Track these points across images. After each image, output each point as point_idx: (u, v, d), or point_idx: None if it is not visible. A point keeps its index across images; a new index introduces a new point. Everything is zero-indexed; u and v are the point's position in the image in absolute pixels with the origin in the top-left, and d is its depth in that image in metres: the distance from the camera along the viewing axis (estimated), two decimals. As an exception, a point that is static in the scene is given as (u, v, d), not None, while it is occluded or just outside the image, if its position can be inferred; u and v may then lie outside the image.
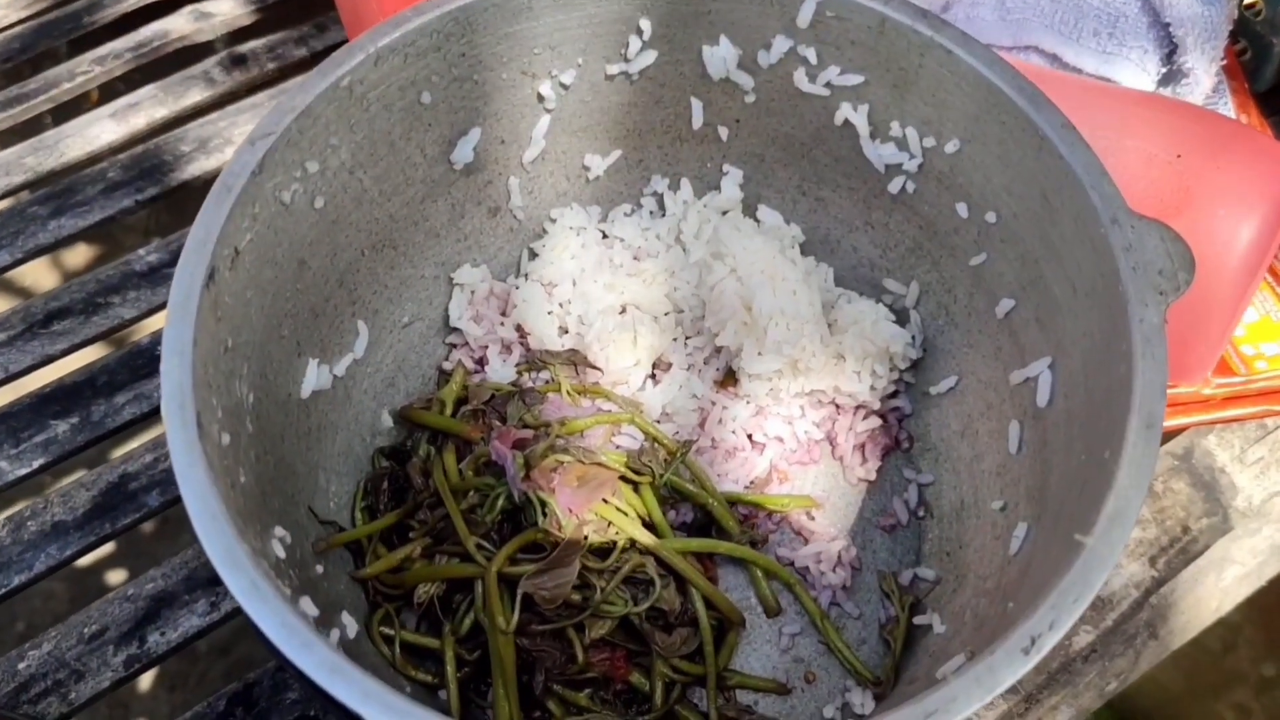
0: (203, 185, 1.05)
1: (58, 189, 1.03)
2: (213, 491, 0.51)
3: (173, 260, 0.97)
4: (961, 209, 0.73)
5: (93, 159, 1.08)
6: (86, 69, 1.15)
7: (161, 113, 1.11)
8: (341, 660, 0.47)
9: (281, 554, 0.59)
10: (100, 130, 1.09)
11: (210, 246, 0.58)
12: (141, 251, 0.97)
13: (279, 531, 0.60)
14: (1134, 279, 0.57)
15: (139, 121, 1.10)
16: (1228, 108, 0.92)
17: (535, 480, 0.69)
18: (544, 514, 0.69)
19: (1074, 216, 0.62)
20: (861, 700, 0.71)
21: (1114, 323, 0.58)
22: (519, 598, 0.67)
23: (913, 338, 0.81)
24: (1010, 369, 0.72)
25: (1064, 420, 0.64)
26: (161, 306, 0.95)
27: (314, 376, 0.71)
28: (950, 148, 0.72)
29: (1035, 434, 0.68)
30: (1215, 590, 0.84)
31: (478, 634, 0.70)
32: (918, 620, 0.73)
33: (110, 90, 1.15)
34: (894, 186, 0.77)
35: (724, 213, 0.85)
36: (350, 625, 0.65)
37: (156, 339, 0.92)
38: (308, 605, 0.57)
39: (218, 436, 0.55)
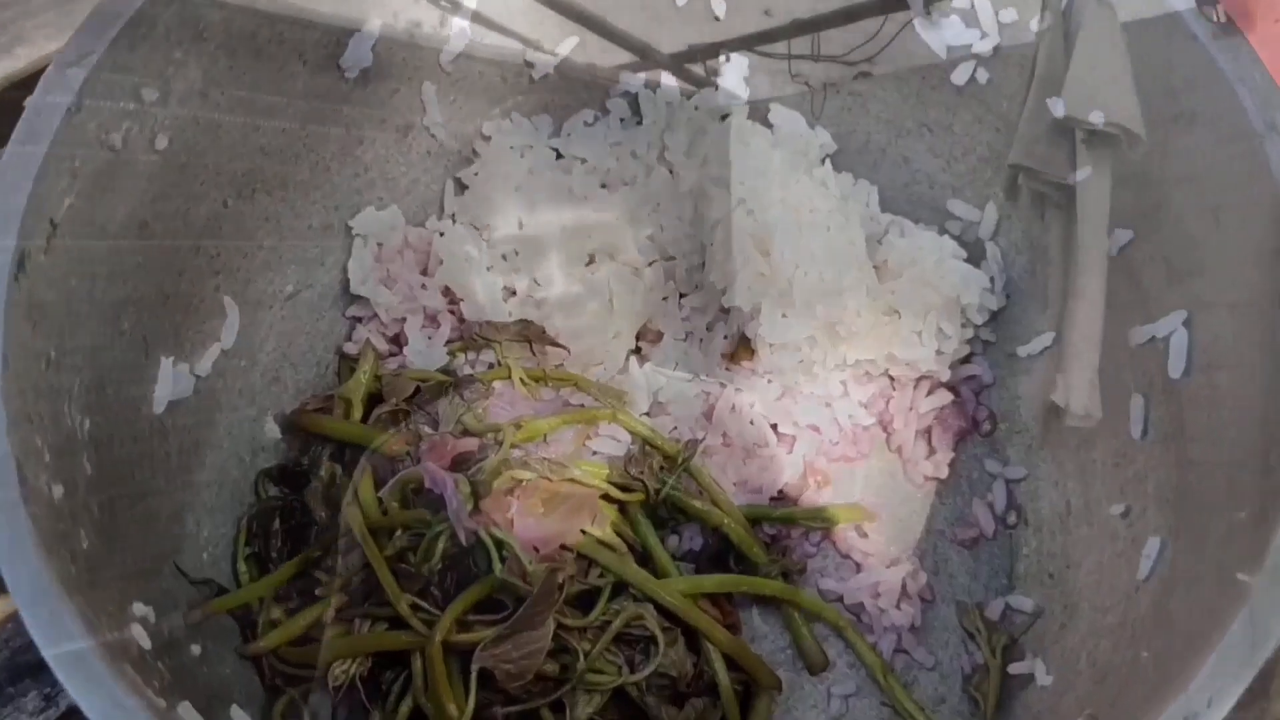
0: (-12, 103, 1.01)
1: None
2: (47, 572, 0.50)
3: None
4: (1055, 106, 0.73)
5: None
6: None
7: (-79, -2, 1.07)
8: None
9: (146, 643, 0.58)
10: None
11: (15, 223, 0.56)
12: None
13: (139, 609, 0.60)
14: (1305, 210, 0.57)
15: (-111, 13, 1.06)
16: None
17: (486, 513, 0.69)
18: (501, 557, 0.68)
19: (1213, 121, 0.62)
20: (944, 782, 0.72)
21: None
22: (474, 675, 0.66)
23: (991, 281, 0.81)
24: (1129, 324, 0.71)
25: (1208, 400, 0.64)
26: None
27: (169, 381, 0.70)
28: (1036, 23, 0.71)
29: (1166, 414, 0.68)
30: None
31: (419, 723, 0.70)
32: (1014, 669, 0.74)
33: None
34: (959, 76, 0.76)
35: (723, 117, 0.84)
36: (244, 724, 0.65)
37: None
38: (188, 713, 0.56)
39: (48, 491, 0.54)
